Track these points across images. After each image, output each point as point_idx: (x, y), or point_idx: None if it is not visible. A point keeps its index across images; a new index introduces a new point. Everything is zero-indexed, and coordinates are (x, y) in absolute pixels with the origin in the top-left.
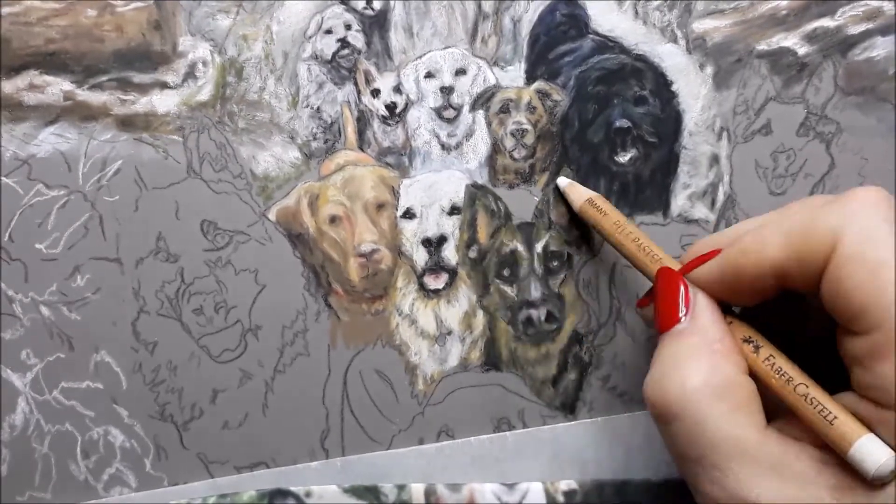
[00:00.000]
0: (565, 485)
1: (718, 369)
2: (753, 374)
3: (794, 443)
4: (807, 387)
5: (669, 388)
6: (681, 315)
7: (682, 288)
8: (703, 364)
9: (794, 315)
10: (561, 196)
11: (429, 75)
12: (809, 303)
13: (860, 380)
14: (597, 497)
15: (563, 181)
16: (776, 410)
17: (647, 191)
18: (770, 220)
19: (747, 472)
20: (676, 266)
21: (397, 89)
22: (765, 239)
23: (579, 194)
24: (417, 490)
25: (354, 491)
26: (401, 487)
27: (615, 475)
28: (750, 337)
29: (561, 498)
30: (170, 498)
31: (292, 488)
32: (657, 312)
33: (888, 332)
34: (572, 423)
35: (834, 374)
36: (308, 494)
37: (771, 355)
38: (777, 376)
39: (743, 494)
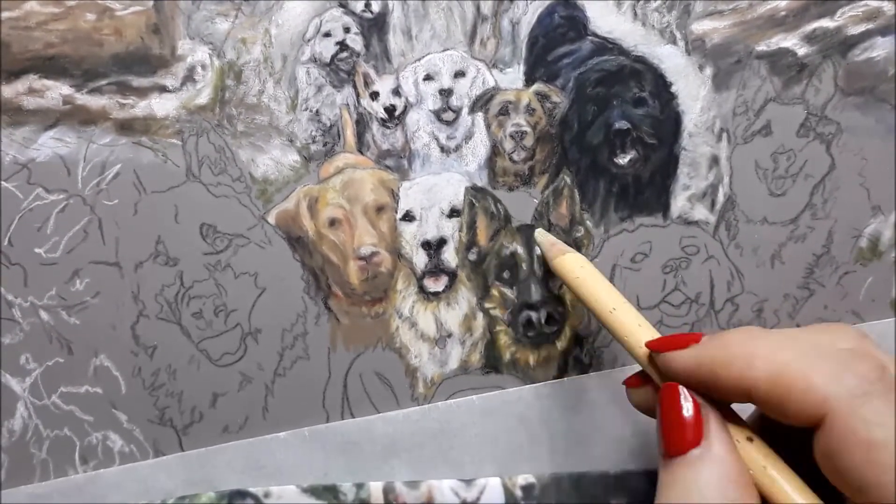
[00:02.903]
0: (523, 479)
1: (740, 502)
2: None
3: None
4: None
5: None
6: (691, 438)
7: (693, 410)
8: (726, 496)
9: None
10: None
11: (428, 78)
12: None
13: None
14: (554, 490)
15: (538, 233)
16: None
17: (646, 192)
18: (763, 342)
19: None
20: (653, 335)
21: (396, 92)
22: (752, 363)
23: (553, 250)
24: (376, 488)
25: (313, 491)
26: (359, 486)
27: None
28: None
29: (519, 492)
30: (143, 471)
31: (251, 489)
32: (663, 433)
33: None
34: (538, 385)
35: None
36: (267, 495)
37: (779, 474)
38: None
39: None
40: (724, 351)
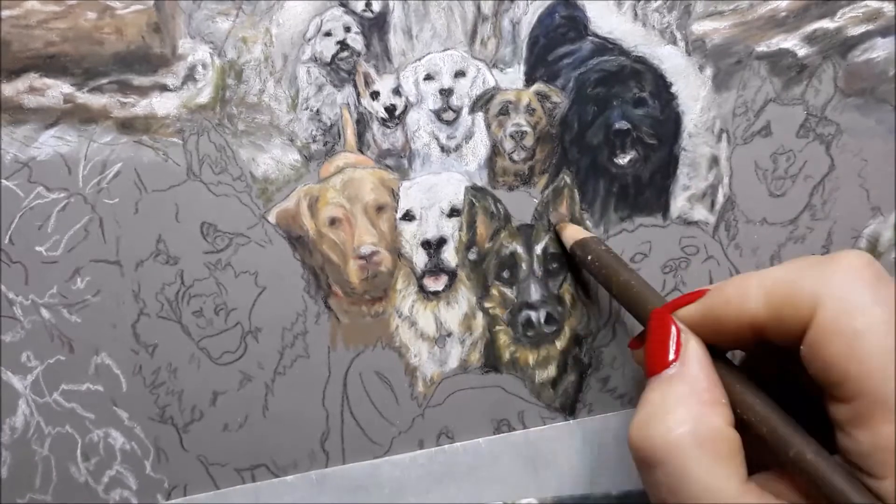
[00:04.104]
0: (526, 502)
1: (704, 419)
2: (742, 423)
3: (774, 499)
4: (799, 446)
5: (654, 435)
6: (671, 359)
7: (673, 331)
8: (690, 413)
9: (791, 365)
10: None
11: (428, 77)
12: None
13: (843, 444)
14: None
15: (558, 221)
16: (759, 464)
17: (646, 193)
18: (756, 274)
19: None
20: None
21: (397, 91)
22: (747, 291)
23: (571, 235)
24: None
25: None
26: None
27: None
28: (740, 386)
29: None
30: None
31: None
32: (647, 354)
33: (867, 402)
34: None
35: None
36: None
37: (759, 405)
38: (767, 430)
39: None
40: (722, 293)
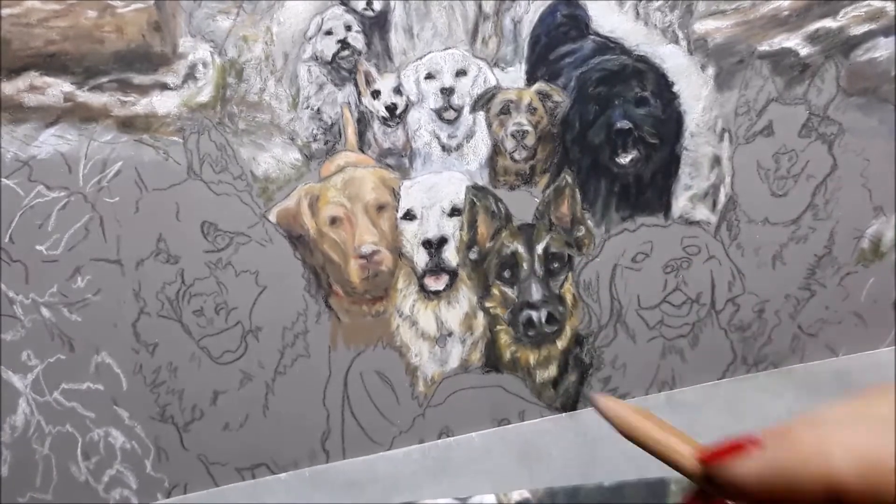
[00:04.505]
0: (518, 495)
1: None
2: None
3: None
4: None
5: None
6: None
7: None
8: None
9: None
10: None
11: (429, 76)
12: None
13: None
14: (549, 503)
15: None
16: None
17: (647, 192)
18: (833, 428)
19: None
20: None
21: (398, 90)
22: (830, 451)
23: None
24: None
25: None
26: None
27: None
28: None
29: None
30: None
31: None
32: None
33: None
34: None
35: None
36: None
37: None
38: None
39: None
40: (796, 448)
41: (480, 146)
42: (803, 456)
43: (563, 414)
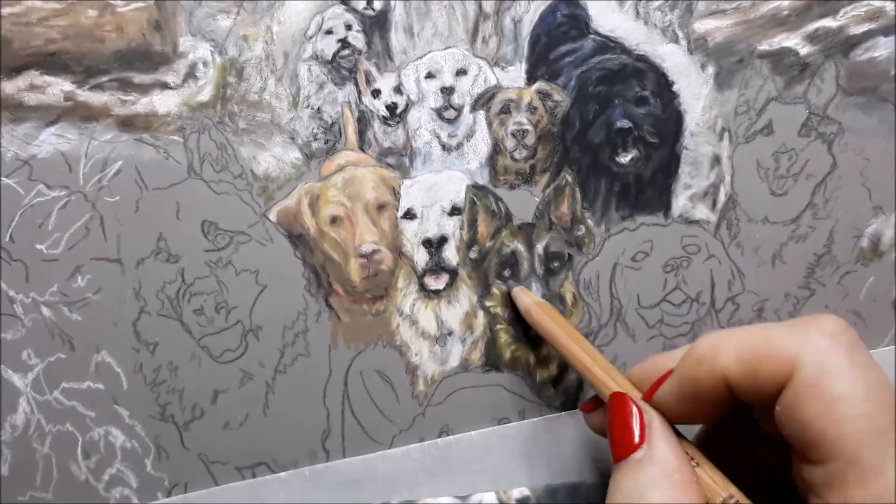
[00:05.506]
0: (518, 492)
1: (680, 502)
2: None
3: None
4: None
5: None
6: (636, 442)
7: (635, 412)
8: (664, 496)
9: (747, 440)
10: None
11: (429, 76)
12: (762, 428)
13: None
14: (550, 501)
15: (514, 286)
16: None
17: (647, 191)
18: (727, 331)
19: None
20: (625, 383)
21: (398, 90)
22: (718, 348)
23: (524, 300)
24: None
25: None
26: None
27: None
28: (698, 461)
29: None
30: None
31: None
32: (611, 439)
33: (842, 464)
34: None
35: (787, 501)
36: None
37: (717, 479)
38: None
39: None
40: (694, 352)
41: (481, 145)
42: (699, 355)
43: (564, 413)
